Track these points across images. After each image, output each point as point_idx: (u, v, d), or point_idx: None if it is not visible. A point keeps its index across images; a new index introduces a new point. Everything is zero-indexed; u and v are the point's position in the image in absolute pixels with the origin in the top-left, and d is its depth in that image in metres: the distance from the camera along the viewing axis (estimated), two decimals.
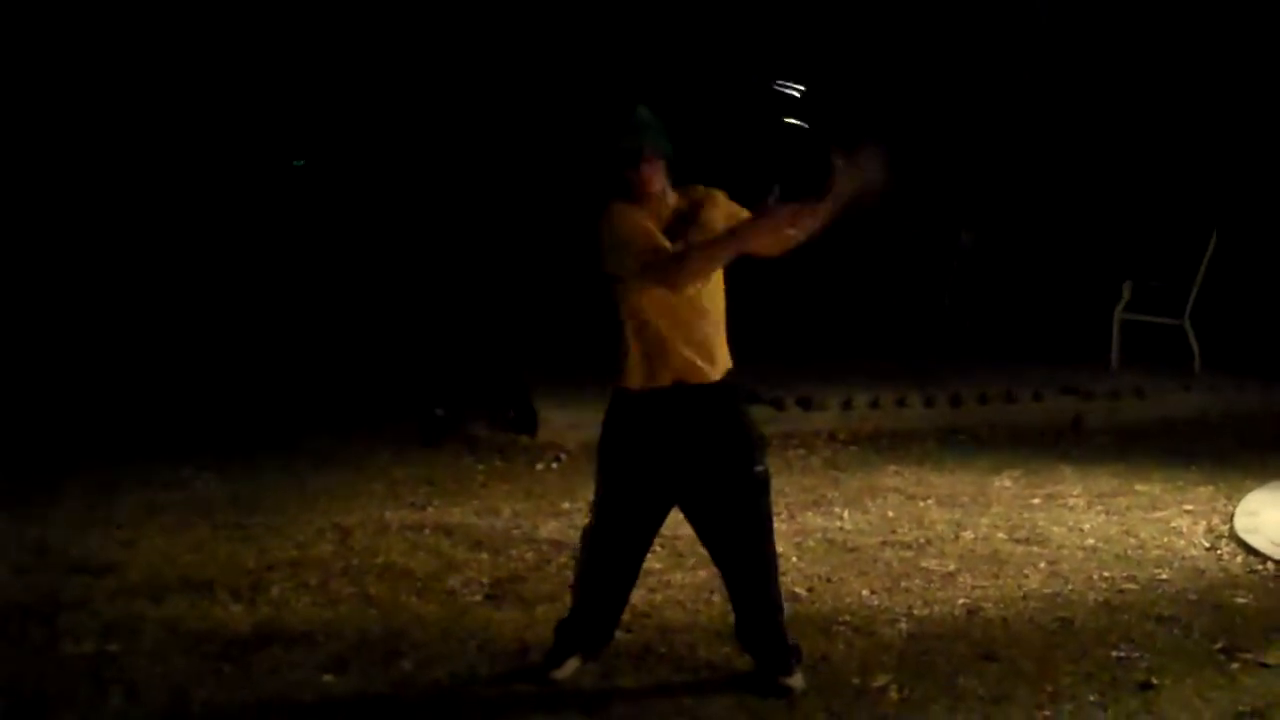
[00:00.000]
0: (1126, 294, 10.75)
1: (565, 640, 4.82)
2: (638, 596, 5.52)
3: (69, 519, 6.81)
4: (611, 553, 4.76)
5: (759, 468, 4.68)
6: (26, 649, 5.07)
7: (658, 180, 4.61)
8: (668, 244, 4.48)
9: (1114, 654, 5.03)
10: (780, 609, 4.78)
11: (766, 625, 4.73)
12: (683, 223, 4.60)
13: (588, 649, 4.84)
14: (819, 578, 5.96)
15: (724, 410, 4.66)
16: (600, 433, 4.77)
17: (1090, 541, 6.54)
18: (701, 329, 4.59)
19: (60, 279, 12.90)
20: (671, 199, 4.65)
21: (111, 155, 14.28)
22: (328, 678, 4.82)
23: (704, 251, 4.46)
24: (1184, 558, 6.30)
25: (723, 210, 4.65)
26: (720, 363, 4.65)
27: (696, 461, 4.61)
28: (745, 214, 4.60)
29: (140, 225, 14.06)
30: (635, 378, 4.61)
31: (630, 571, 4.83)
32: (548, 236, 12.89)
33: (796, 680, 4.66)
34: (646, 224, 4.52)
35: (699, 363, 4.58)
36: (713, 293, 4.64)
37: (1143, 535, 6.65)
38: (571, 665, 4.79)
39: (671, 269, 4.45)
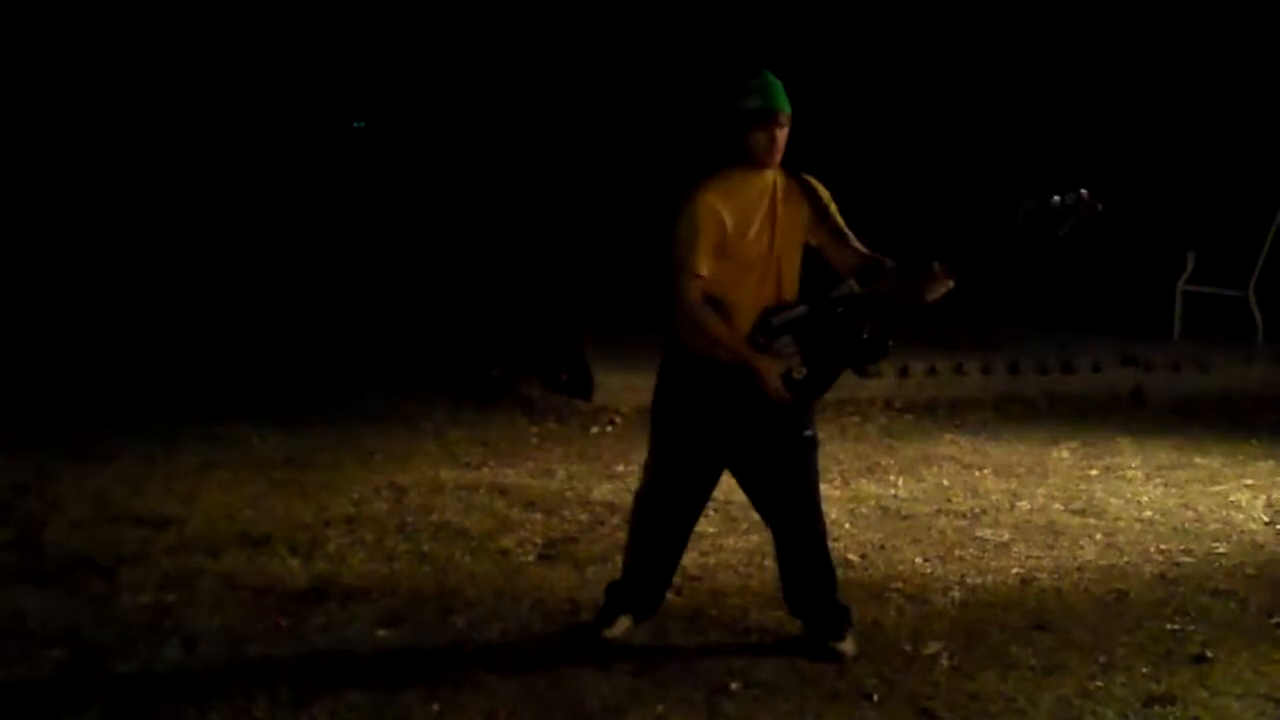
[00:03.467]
0: (1190, 264, 10.62)
1: (616, 600, 4.85)
2: (690, 560, 5.53)
3: (129, 474, 6.90)
4: (663, 514, 4.78)
5: (808, 431, 4.67)
6: (86, 600, 5.14)
7: (783, 147, 4.56)
8: (702, 269, 4.47)
9: (1168, 627, 4.99)
10: (832, 574, 4.77)
11: (817, 589, 4.73)
12: (801, 201, 4.58)
13: (638, 610, 4.85)
14: (872, 545, 5.95)
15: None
16: (654, 393, 4.78)
17: (1147, 514, 6.48)
18: (771, 297, 4.56)
19: (128, 233, 13.03)
20: (776, 171, 4.60)
21: (185, 109, 14.38)
22: (382, 633, 4.86)
23: (706, 324, 4.48)
24: (1242, 532, 6.23)
25: (835, 213, 4.65)
26: None
27: (748, 424, 4.61)
28: (837, 219, 4.62)
29: (208, 184, 14.17)
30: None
31: (681, 534, 4.83)
32: (606, 198, 12.88)
33: (848, 645, 4.66)
34: (705, 232, 4.46)
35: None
36: (791, 263, 4.61)
37: (1201, 508, 6.58)
38: (622, 625, 4.81)
39: (679, 298, 4.50)
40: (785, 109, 4.52)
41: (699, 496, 4.80)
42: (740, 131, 4.51)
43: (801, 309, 4.54)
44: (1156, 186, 12.40)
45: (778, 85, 4.55)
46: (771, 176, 4.58)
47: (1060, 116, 12.93)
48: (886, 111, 13.13)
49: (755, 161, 4.52)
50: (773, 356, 4.49)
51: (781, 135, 4.52)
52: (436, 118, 15.13)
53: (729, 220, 4.49)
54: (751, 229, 4.51)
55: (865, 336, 4.56)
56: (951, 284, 4.49)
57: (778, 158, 4.55)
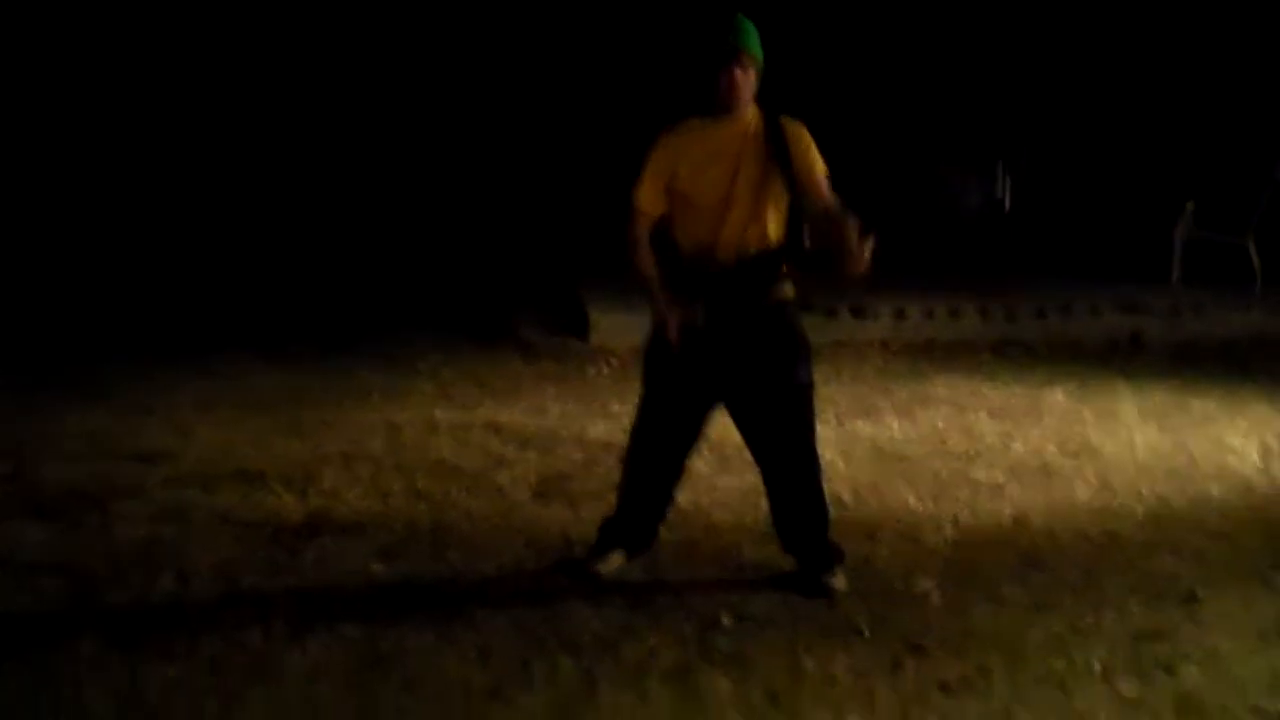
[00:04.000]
0: (1189, 211, 10.60)
1: (609, 536, 4.86)
2: (684, 498, 5.55)
3: (126, 408, 6.91)
4: (654, 451, 4.79)
5: (802, 374, 4.67)
6: (81, 532, 5.16)
7: (748, 88, 4.55)
8: (650, 207, 4.57)
9: (1160, 566, 5.01)
10: (825, 513, 4.79)
11: (809, 527, 4.75)
12: (770, 148, 4.53)
13: (631, 546, 4.87)
14: (866, 484, 5.97)
15: (770, 316, 4.63)
16: (648, 333, 4.78)
17: (1141, 456, 6.50)
18: (733, 240, 4.55)
19: (128, 171, 12.96)
20: (754, 117, 4.59)
21: (190, 48, 14.26)
22: (376, 567, 4.88)
23: (635, 258, 4.61)
24: (1235, 474, 6.25)
25: (804, 160, 4.57)
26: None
27: (740, 366, 4.61)
28: (818, 165, 4.57)
29: (210, 123, 14.09)
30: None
31: (672, 471, 4.84)
32: (603, 140, 12.80)
33: (839, 581, 4.68)
34: (654, 171, 4.56)
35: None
36: (759, 208, 4.57)
37: (1195, 451, 6.60)
38: (614, 560, 4.83)
39: (627, 232, 4.60)
40: (748, 50, 4.51)
41: (689, 435, 4.80)
42: (705, 72, 4.51)
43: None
44: (1156, 134, 12.35)
45: (746, 27, 4.54)
46: (746, 121, 4.56)
47: (1063, 65, 12.85)
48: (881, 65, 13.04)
49: (720, 104, 4.52)
50: (681, 305, 4.53)
51: (742, 76, 4.50)
52: (438, 59, 15.01)
53: (683, 162, 4.54)
54: (710, 172, 4.52)
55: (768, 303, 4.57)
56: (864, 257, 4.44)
57: (741, 99, 4.53)
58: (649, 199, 4.59)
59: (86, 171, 12.70)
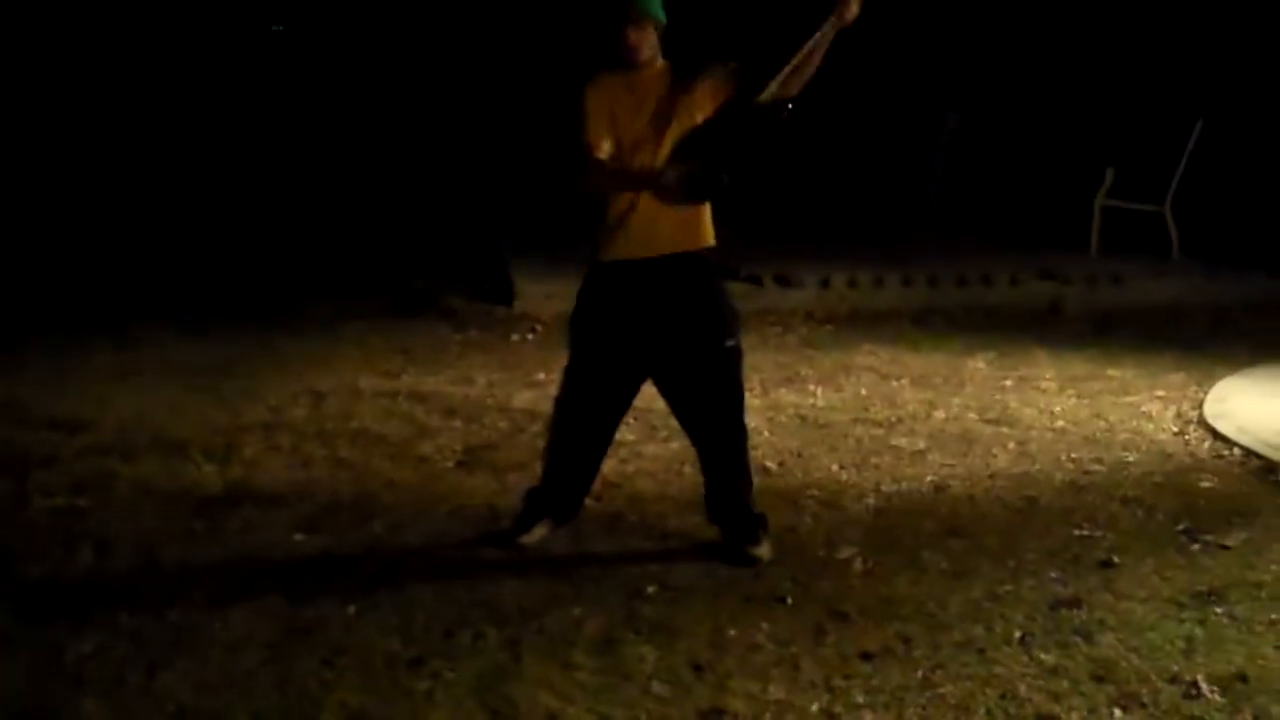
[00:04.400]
0: (1109, 180, 10.72)
1: (534, 506, 4.85)
2: (609, 467, 5.55)
3: (41, 377, 6.81)
4: (579, 421, 4.78)
5: (730, 342, 4.69)
6: None
7: (647, 46, 4.56)
8: (598, 144, 4.51)
9: (1077, 533, 5.07)
10: (749, 481, 4.81)
11: (734, 496, 4.77)
12: (675, 94, 4.54)
13: (557, 515, 4.87)
14: (790, 452, 6.00)
15: (696, 284, 4.64)
16: (575, 302, 4.77)
17: (1060, 423, 6.58)
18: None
19: (39, 144, 12.73)
20: (661, 69, 4.60)
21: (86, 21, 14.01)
22: (299, 537, 4.84)
23: (608, 178, 4.54)
24: (1152, 442, 6.34)
25: (709, 85, 4.55)
26: (694, 237, 4.62)
27: (666, 334, 4.62)
28: (725, 88, 4.55)
29: (121, 91, 13.86)
30: (609, 250, 4.60)
31: (598, 441, 4.85)
32: (527, 106, 12.73)
33: (763, 550, 4.71)
34: (594, 113, 4.53)
35: (676, 236, 4.57)
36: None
37: (1112, 419, 6.69)
38: (539, 531, 4.82)
39: (583, 182, 4.54)
40: (647, 11, 4.53)
41: (616, 404, 4.80)
42: (608, 30, 4.54)
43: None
44: (1075, 102, 12.47)
45: None
46: (652, 75, 4.58)
47: (984, 31, 12.93)
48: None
49: (622, 62, 4.56)
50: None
51: (639, 35, 4.53)
52: (358, 23, 14.85)
53: (615, 106, 4.55)
54: (635, 117, 4.54)
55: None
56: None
57: (641, 57, 4.55)
58: (599, 140, 4.53)
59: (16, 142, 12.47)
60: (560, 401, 4.84)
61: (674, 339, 4.64)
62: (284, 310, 8.58)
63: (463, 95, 13.75)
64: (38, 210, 10.98)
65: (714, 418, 4.74)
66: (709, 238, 4.67)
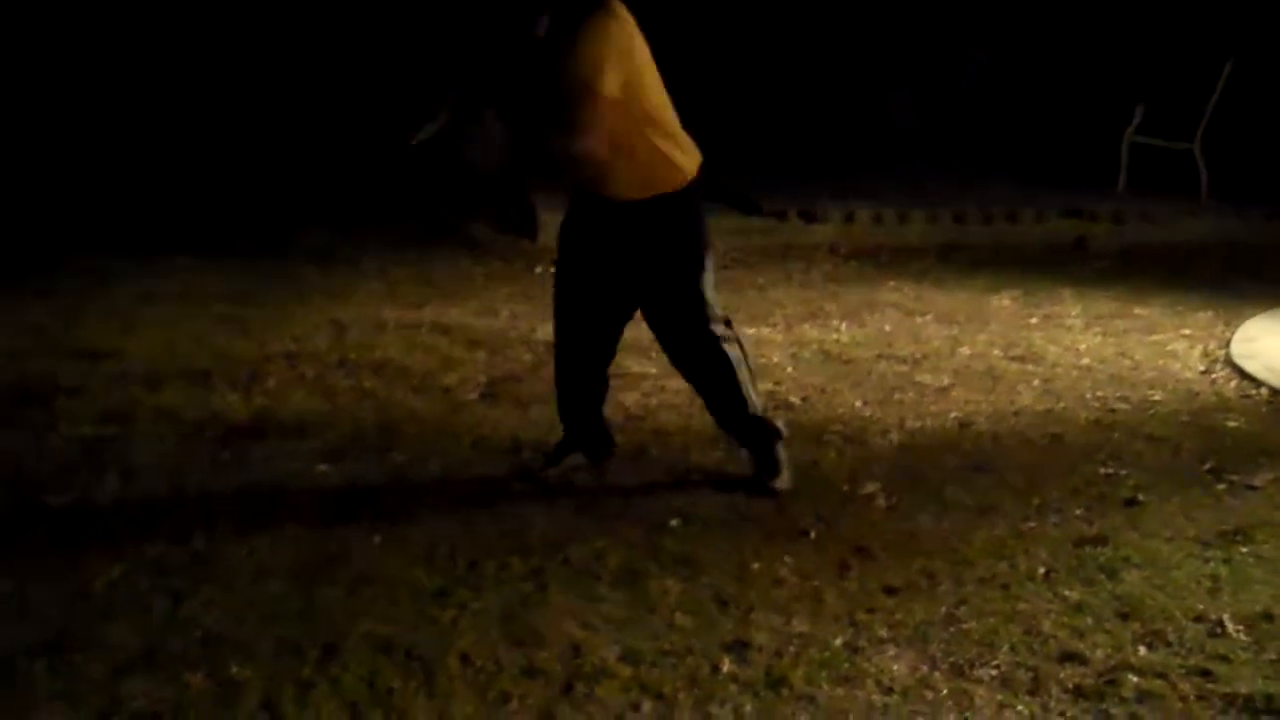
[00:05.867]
0: (1138, 116, 10.61)
1: (564, 444, 4.85)
2: (632, 400, 5.57)
3: (65, 306, 6.82)
4: (563, 339, 4.73)
5: (688, 278, 4.52)
6: (23, 431, 5.10)
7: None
8: (620, 93, 4.25)
9: (1102, 470, 5.06)
10: (744, 407, 4.71)
11: (733, 424, 4.76)
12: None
13: (589, 451, 4.84)
14: (813, 388, 5.98)
15: (662, 222, 4.50)
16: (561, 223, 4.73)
17: (1085, 361, 6.54)
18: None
19: (54, 73, 12.67)
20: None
21: None
22: (322, 467, 4.86)
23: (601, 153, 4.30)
24: (1178, 380, 6.30)
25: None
26: (651, 185, 4.47)
27: (630, 271, 4.54)
28: None
29: (136, 17, 13.77)
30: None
31: (588, 364, 4.75)
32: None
33: (782, 480, 4.69)
34: (621, 52, 4.23)
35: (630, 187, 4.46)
36: (659, 107, 4.45)
37: (1138, 357, 6.65)
38: (566, 463, 4.81)
39: (591, 128, 4.26)
40: None
41: (598, 324, 4.68)
42: None
43: None
44: (1105, 37, 12.31)
45: None
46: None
47: None
48: None
49: None
50: None
51: None
52: None
53: (636, 48, 4.36)
54: (651, 65, 4.44)
55: None
56: None
57: None
58: (615, 85, 4.23)
59: (15, 70, 12.41)
60: (554, 319, 4.77)
61: (637, 271, 4.54)
62: (304, 238, 8.56)
63: (476, 22, 13.63)
64: (56, 136, 10.94)
65: (682, 344, 4.68)
66: (672, 181, 4.46)
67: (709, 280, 4.58)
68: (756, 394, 4.79)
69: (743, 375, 4.70)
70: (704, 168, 4.56)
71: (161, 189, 9.70)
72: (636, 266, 4.55)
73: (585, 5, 4.26)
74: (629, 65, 4.28)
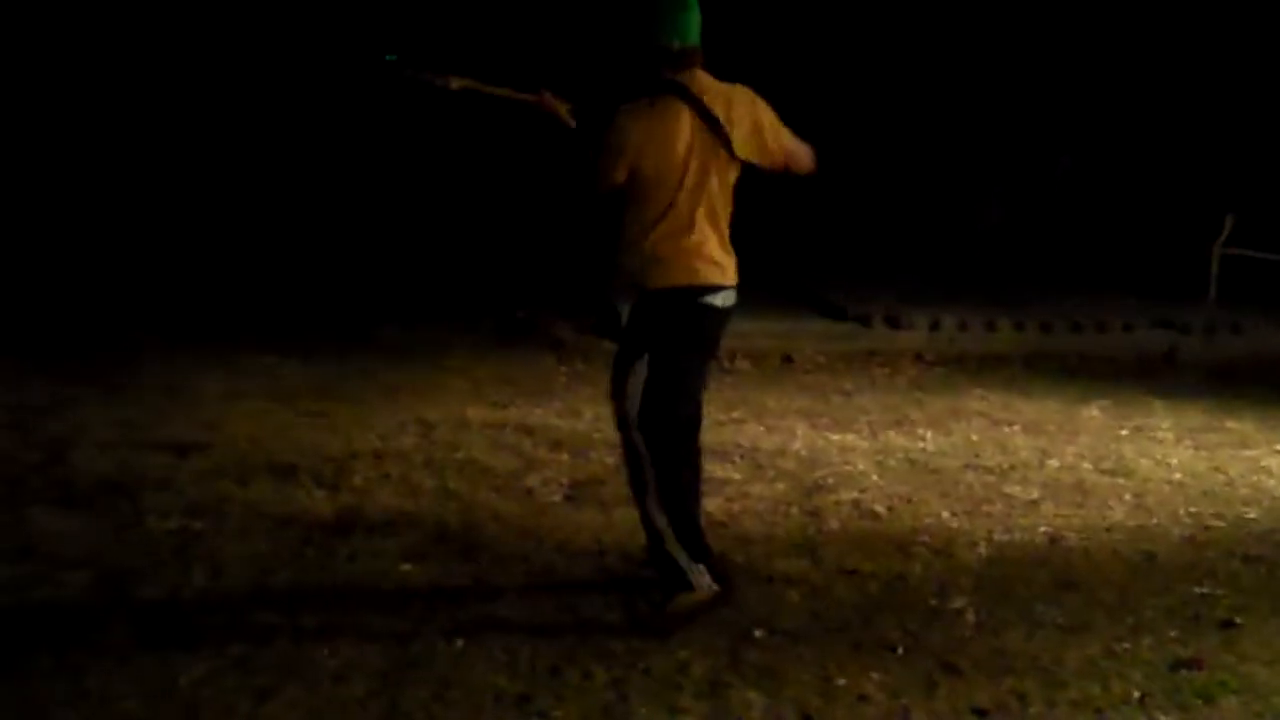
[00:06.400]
0: (1228, 227, 10.50)
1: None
2: (715, 506, 5.53)
3: (153, 400, 6.91)
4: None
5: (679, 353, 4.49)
6: (112, 523, 5.15)
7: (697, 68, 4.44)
8: (611, 174, 4.42)
9: (1197, 590, 4.94)
10: (655, 531, 4.50)
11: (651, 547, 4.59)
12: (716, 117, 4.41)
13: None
14: (899, 497, 5.91)
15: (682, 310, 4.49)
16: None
17: (1178, 476, 6.43)
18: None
19: (156, 160, 12.99)
20: (704, 86, 4.45)
21: (214, 35, 14.29)
22: (406, 567, 4.85)
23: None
24: (1273, 497, 6.18)
25: (747, 110, 4.46)
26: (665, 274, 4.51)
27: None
28: (769, 116, 4.49)
29: (240, 111, 14.11)
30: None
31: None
32: None
33: (680, 602, 4.44)
34: (616, 144, 4.39)
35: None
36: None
37: (1231, 472, 6.53)
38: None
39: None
40: (690, 36, 4.44)
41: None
42: (656, 65, 4.47)
43: None
44: (1195, 148, 12.26)
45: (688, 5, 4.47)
46: (704, 89, 4.49)
47: (1102, 76, 12.77)
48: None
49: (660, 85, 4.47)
50: None
51: (689, 63, 4.44)
52: (470, 48, 15.00)
53: (642, 142, 4.46)
54: (662, 155, 4.48)
55: None
56: None
57: (698, 86, 4.45)
58: (612, 170, 4.43)
59: (115, 166, 12.73)
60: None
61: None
62: (386, 335, 8.65)
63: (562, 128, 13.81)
64: (147, 229, 11.18)
65: None
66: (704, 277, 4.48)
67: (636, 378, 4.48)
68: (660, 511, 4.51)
69: (649, 493, 4.49)
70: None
71: (247, 283, 9.84)
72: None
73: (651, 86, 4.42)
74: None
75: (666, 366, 4.47)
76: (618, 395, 4.55)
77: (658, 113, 4.41)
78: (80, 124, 13.04)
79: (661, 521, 4.49)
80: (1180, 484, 6.31)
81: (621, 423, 4.54)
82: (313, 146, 13.89)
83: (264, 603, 4.46)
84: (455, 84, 4.66)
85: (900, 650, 4.31)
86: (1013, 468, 6.44)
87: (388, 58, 16.24)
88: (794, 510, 5.61)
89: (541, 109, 4.65)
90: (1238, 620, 4.65)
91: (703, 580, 4.48)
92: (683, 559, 4.48)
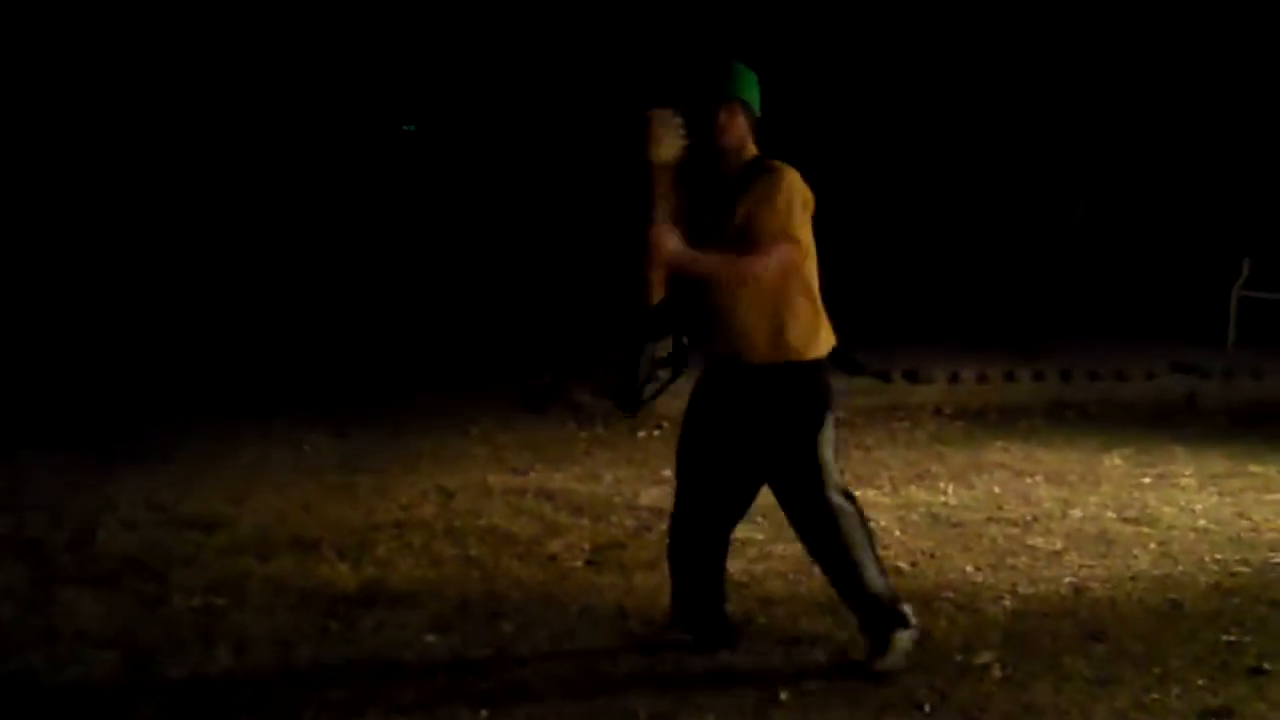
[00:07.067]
0: (1246, 271, 10.51)
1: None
2: (738, 567, 5.52)
3: (180, 475, 6.95)
4: (683, 515, 4.70)
5: (834, 498, 4.51)
6: (137, 602, 5.17)
7: (735, 133, 4.49)
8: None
9: (1224, 638, 4.92)
10: (858, 580, 4.56)
11: (845, 596, 4.64)
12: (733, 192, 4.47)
13: (699, 638, 4.73)
14: (922, 552, 5.90)
15: (779, 399, 4.51)
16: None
17: (1202, 523, 6.41)
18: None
19: (180, 233, 13.13)
20: (742, 161, 4.51)
21: (228, 113, 14.47)
22: (430, 638, 4.86)
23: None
24: None
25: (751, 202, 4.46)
26: (783, 350, 4.52)
27: (751, 441, 4.54)
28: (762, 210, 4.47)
29: (263, 186, 14.28)
30: (713, 345, 4.61)
31: (706, 540, 4.71)
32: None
33: (890, 660, 4.51)
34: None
35: (763, 346, 4.52)
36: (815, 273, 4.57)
37: (1256, 518, 6.50)
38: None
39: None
40: (736, 94, 4.52)
41: (720, 500, 4.67)
42: (702, 108, 4.53)
43: None
44: (1213, 193, 12.28)
45: (742, 73, 4.57)
46: (740, 165, 4.56)
47: (1119, 122, 12.83)
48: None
49: (709, 148, 4.55)
50: None
51: (727, 118, 4.50)
52: (489, 119, 15.16)
53: (687, 201, 4.55)
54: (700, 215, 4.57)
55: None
56: None
57: (727, 145, 4.51)
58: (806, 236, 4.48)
59: (138, 234, 12.87)
60: (676, 483, 4.78)
61: (751, 434, 4.54)
62: (412, 404, 8.69)
63: (588, 192, 13.93)
64: (170, 301, 11.28)
65: (797, 517, 4.61)
66: (800, 352, 4.51)
67: (828, 449, 4.54)
68: (879, 573, 4.62)
69: (858, 553, 4.56)
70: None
71: (273, 356, 9.91)
72: (759, 431, 4.53)
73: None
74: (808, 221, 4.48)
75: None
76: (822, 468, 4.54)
77: None
78: (113, 196, 13.22)
79: (881, 582, 4.57)
80: (1204, 530, 6.28)
81: (835, 492, 4.55)
82: (337, 216, 14.03)
83: (289, 678, 4.47)
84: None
85: (927, 708, 4.29)
86: (1036, 519, 6.43)
87: (405, 128, 16.46)
88: (817, 570, 5.57)
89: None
90: (1266, 666, 4.62)
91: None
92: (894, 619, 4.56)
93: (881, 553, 5.65)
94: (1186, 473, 7.34)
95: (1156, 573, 5.69)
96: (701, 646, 4.73)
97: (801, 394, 4.51)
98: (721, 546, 4.77)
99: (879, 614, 4.59)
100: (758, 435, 4.54)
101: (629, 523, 6.30)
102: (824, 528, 4.56)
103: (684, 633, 4.78)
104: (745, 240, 4.41)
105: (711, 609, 4.78)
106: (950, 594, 5.37)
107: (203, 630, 4.88)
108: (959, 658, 4.71)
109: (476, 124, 15.27)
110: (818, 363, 4.54)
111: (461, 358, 9.94)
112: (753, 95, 4.55)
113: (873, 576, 4.58)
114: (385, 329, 10.76)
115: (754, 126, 4.55)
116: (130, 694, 4.34)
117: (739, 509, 4.74)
